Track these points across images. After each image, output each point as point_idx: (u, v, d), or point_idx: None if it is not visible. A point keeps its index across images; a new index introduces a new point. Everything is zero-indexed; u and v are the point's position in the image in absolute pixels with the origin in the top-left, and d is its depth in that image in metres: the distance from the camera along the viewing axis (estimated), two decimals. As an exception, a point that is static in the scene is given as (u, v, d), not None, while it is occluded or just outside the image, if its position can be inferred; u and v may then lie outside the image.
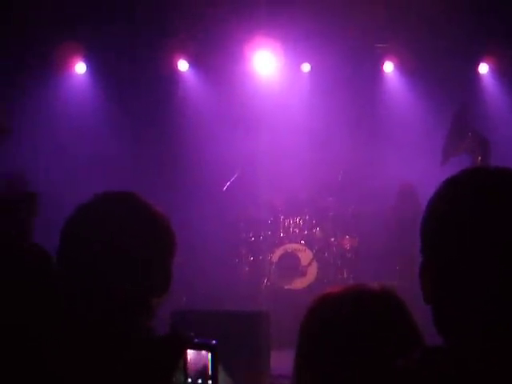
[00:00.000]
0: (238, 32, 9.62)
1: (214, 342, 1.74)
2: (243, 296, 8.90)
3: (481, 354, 1.28)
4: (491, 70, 10.25)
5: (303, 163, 9.57)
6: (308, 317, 1.86)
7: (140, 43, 9.67)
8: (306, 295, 8.28)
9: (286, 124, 9.75)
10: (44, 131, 9.75)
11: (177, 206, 8.03)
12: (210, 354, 1.73)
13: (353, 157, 9.49)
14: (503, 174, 1.38)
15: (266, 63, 10.27)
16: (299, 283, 9.12)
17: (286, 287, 9.13)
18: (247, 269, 9.42)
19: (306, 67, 10.39)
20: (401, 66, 10.30)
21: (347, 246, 9.39)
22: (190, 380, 1.76)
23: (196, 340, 1.76)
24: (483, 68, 10.26)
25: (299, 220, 9.50)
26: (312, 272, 9.18)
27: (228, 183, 9.47)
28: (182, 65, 10.37)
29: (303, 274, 9.17)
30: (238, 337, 5.75)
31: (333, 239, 9.43)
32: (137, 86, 9.90)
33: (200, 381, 1.74)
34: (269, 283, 9.22)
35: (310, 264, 9.20)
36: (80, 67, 10.21)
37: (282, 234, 9.45)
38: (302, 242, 9.36)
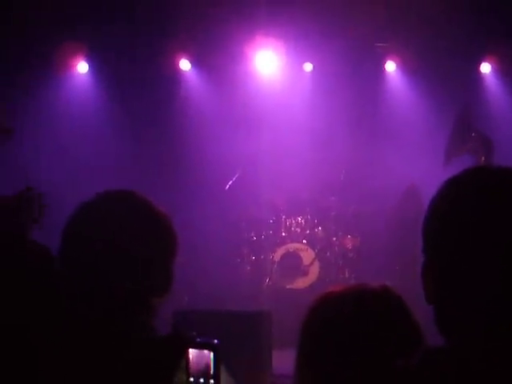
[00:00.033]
0: (240, 32, 9.61)
1: (216, 341, 1.74)
2: (245, 296, 8.90)
3: (482, 354, 1.28)
4: (493, 69, 10.24)
5: (305, 163, 9.56)
6: (309, 316, 1.86)
7: (141, 43, 9.67)
8: (307, 295, 8.27)
9: (287, 123, 9.75)
10: (46, 131, 9.75)
11: (178, 205, 8.04)
12: (212, 354, 1.73)
13: (355, 156, 9.48)
14: (505, 173, 1.38)
15: (268, 63, 10.26)
16: (301, 283, 9.12)
17: (287, 287, 9.13)
18: (249, 268, 9.42)
19: (307, 67, 10.38)
20: (402, 66, 10.29)
21: (349, 246, 9.39)
22: (192, 379, 1.76)
23: (198, 339, 1.76)
24: (485, 67, 10.25)
25: (301, 219, 9.50)
26: (314, 271, 9.17)
27: (230, 183, 9.47)
28: (184, 64, 10.37)
29: (305, 273, 9.17)
30: (239, 336, 5.75)
31: (335, 239, 9.43)
32: (138, 85, 9.89)
33: (202, 380, 1.75)
34: (271, 283, 9.22)
35: (311, 263, 9.20)
36: (82, 67, 10.21)
37: (283, 234, 9.45)
38: (304, 241, 9.36)
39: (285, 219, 9.49)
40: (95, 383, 1.82)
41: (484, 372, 1.27)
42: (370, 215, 9.36)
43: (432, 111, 9.80)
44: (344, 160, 9.53)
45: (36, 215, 2.97)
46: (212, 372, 1.72)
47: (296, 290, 9.01)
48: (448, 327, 1.35)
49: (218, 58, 9.94)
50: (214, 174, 9.56)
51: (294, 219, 9.50)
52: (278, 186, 9.63)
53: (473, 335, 1.30)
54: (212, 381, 1.73)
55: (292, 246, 9.32)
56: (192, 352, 1.75)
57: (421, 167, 9.02)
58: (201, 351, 1.74)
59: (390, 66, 10.39)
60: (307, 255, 9.22)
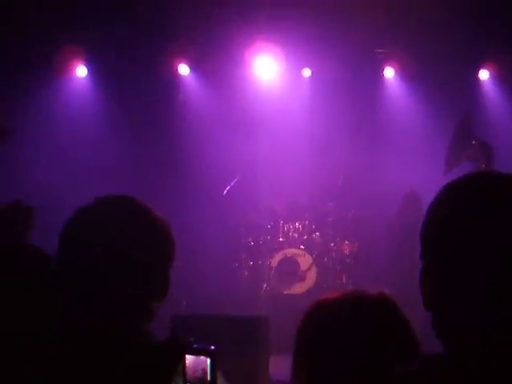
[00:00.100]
0: (239, 36, 9.63)
1: (213, 347, 1.73)
2: (243, 300, 8.89)
3: (481, 359, 1.28)
4: (491, 75, 10.26)
5: (303, 168, 9.57)
6: (305, 321, 1.86)
7: (141, 47, 9.68)
8: (305, 300, 8.26)
9: (286, 129, 9.75)
10: (45, 132, 9.76)
11: (177, 210, 8.04)
12: (209, 360, 1.72)
13: (353, 162, 9.49)
14: (504, 179, 1.38)
15: (267, 68, 10.27)
16: (298, 288, 9.11)
17: (285, 292, 9.12)
18: (247, 273, 9.41)
19: (306, 72, 10.39)
20: (401, 71, 10.30)
21: (347, 251, 9.39)
22: (188, 385, 1.75)
23: (195, 345, 1.76)
24: (483, 74, 10.26)
25: (299, 225, 9.50)
26: (311, 277, 9.17)
27: (228, 188, 9.46)
28: (183, 69, 10.38)
29: (302, 278, 9.17)
30: (237, 341, 5.75)
31: (332, 244, 9.43)
32: (137, 90, 9.90)
33: (199, 386, 1.74)
34: (268, 288, 9.21)
35: (309, 269, 9.19)
36: (81, 70, 10.21)
37: (281, 239, 9.45)
38: (302, 246, 9.36)
39: (282, 224, 9.49)
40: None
41: (483, 377, 1.27)
42: (368, 221, 9.36)
43: (431, 117, 9.81)
44: (342, 165, 9.54)
45: (24, 227, 2.98)
46: (209, 378, 1.72)
47: (293, 295, 9.01)
48: (446, 332, 1.35)
49: (218, 63, 9.95)
50: (212, 178, 9.56)
51: (292, 224, 9.50)
52: (276, 191, 9.63)
53: (471, 340, 1.30)
54: (209, 387, 1.73)
55: (289, 252, 9.31)
56: (189, 358, 1.74)
57: (419, 173, 9.03)
58: (198, 357, 1.74)
59: (389, 72, 10.40)
60: (305, 260, 9.22)
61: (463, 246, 1.32)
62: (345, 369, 1.73)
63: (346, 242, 9.43)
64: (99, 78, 10.22)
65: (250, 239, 9.48)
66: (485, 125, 9.39)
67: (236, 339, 5.76)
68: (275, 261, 9.26)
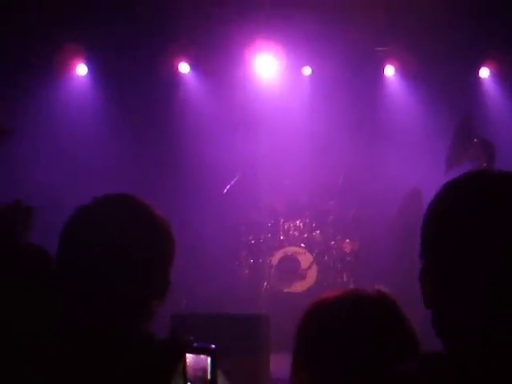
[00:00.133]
0: (239, 35, 9.62)
1: (213, 346, 1.73)
2: (243, 299, 8.89)
3: (481, 358, 1.28)
4: (492, 74, 10.25)
5: (304, 166, 9.56)
6: (305, 320, 1.86)
7: (141, 47, 9.68)
8: (305, 298, 8.25)
9: (286, 127, 9.75)
10: (45, 131, 9.76)
11: (177, 208, 8.05)
12: (209, 359, 1.72)
13: (353, 160, 9.48)
14: (505, 177, 1.38)
15: (267, 66, 10.27)
16: (299, 286, 9.11)
17: (285, 290, 9.12)
18: (247, 272, 9.42)
19: (306, 71, 10.39)
20: (401, 70, 10.30)
21: (347, 250, 9.38)
22: (189, 384, 1.75)
23: (195, 344, 1.76)
24: (484, 72, 10.26)
25: (299, 223, 9.50)
26: (312, 275, 9.17)
27: (228, 186, 9.46)
28: (183, 67, 10.38)
29: (303, 277, 9.17)
30: (237, 340, 5.75)
31: (333, 242, 9.42)
32: (137, 89, 9.90)
33: (199, 385, 1.74)
34: (268, 286, 9.21)
35: (309, 267, 9.19)
36: (81, 69, 10.21)
37: (281, 237, 9.45)
38: (302, 245, 9.35)
39: (283, 223, 9.49)
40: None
41: (483, 376, 1.27)
42: (368, 219, 9.36)
43: (431, 115, 9.81)
44: (343, 164, 9.54)
45: (24, 228, 2.98)
46: (209, 377, 1.72)
47: (294, 293, 9.00)
48: (446, 331, 1.35)
49: (218, 61, 9.95)
50: (212, 177, 9.56)
51: (292, 223, 9.49)
52: (276, 189, 9.63)
53: (471, 339, 1.30)
54: (209, 386, 1.73)
55: (290, 250, 9.31)
56: (189, 357, 1.74)
57: (419, 171, 9.03)
58: (198, 356, 1.73)
59: (390, 71, 10.40)
60: (305, 259, 9.22)
61: (463, 244, 1.32)
62: (345, 367, 1.73)
63: (347, 240, 9.43)
64: (99, 77, 10.22)
65: (250, 237, 9.48)
66: (485, 123, 9.39)
67: (236, 337, 5.76)
68: (275, 259, 9.26)
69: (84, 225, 1.95)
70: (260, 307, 8.68)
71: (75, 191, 8.45)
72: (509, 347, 1.27)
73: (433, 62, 9.68)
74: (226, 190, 9.43)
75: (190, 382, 1.74)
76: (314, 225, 9.48)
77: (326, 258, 9.36)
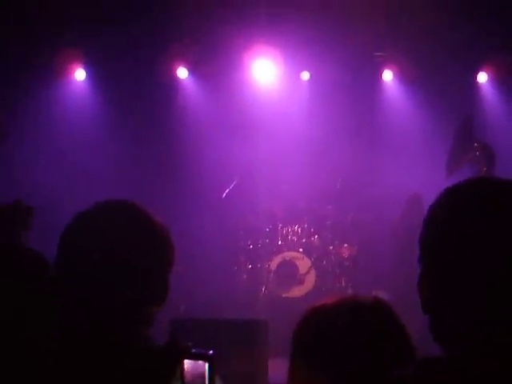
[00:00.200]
0: (238, 40, 9.63)
1: (211, 352, 1.73)
2: (241, 304, 8.88)
3: (481, 362, 1.28)
4: (490, 78, 10.27)
5: (302, 171, 9.56)
6: (302, 326, 1.86)
7: (139, 51, 9.68)
8: (303, 303, 8.24)
9: (284, 132, 9.75)
10: (45, 133, 9.76)
11: (176, 213, 8.04)
12: (207, 365, 1.72)
13: (352, 165, 9.49)
14: (504, 184, 1.38)
15: (266, 71, 10.27)
16: (297, 291, 9.10)
17: (283, 295, 9.11)
18: (245, 277, 9.41)
19: (305, 75, 10.39)
20: (400, 75, 10.31)
21: (346, 255, 9.38)
22: (187, 390, 1.75)
23: (193, 350, 1.76)
24: (482, 76, 10.27)
25: (298, 228, 9.49)
26: (310, 280, 9.16)
27: (227, 191, 9.46)
28: (182, 72, 10.38)
29: (301, 282, 9.16)
30: (236, 344, 5.74)
31: (331, 247, 9.42)
32: (136, 93, 9.90)
33: (197, 391, 1.74)
34: (267, 291, 9.20)
35: (308, 272, 9.18)
36: (79, 74, 10.21)
37: (280, 242, 9.44)
38: (301, 250, 9.35)
39: (281, 228, 9.49)
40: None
41: (483, 381, 1.27)
42: (366, 224, 9.36)
43: (429, 120, 9.82)
44: (341, 169, 9.54)
45: (24, 228, 2.98)
46: (207, 383, 1.72)
47: (292, 298, 9.00)
48: (446, 336, 1.35)
49: (216, 66, 9.96)
50: (211, 182, 9.56)
51: (291, 228, 9.49)
52: (275, 194, 9.63)
53: (471, 344, 1.30)
54: (207, 391, 1.73)
55: (288, 255, 9.31)
56: (187, 363, 1.74)
57: (418, 176, 9.04)
58: (196, 362, 1.73)
59: (388, 75, 10.41)
60: (303, 264, 9.21)
61: (463, 249, 1.32)
62: (342, 373, 1.73)
63: (345, 245, 9.42)
64: (98, 81, 10.23)
65: (248, 242, 9.47)
66: (484, 127, 9.40)
67: (235, 342, 5.75)
68: (274, 264, 9.25)
69: (84, 230, 1.95)
70: (258, 312, 8.67)
71: (73, 193, 8.48)
72: (508, 353, 1.27)
73: (431, 67, 9.69)
74: (224, 195, 9.42)
75: (188, 387, 1.74)
76: (312, 230, 9.48)
77: (324, 262, 9.35)
